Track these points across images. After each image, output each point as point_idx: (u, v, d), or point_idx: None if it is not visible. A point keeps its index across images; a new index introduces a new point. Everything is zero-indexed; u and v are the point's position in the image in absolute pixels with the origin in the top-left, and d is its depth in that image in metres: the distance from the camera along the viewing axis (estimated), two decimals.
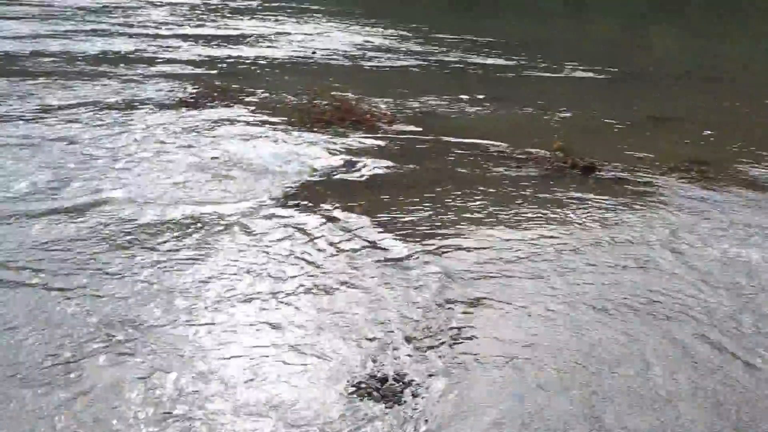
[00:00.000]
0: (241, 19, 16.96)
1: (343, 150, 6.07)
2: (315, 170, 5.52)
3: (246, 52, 11.65)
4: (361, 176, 5.47)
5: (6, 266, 3.70)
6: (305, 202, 4.82)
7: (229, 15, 17.94)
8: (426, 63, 11.44)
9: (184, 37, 13.06)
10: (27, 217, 4.33)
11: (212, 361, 3.01)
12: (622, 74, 11.09)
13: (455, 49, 13.12)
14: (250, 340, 3.16)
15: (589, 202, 5.03)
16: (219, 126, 6.70)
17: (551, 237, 4.38)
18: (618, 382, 2.93)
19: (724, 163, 6.07)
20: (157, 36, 13.09)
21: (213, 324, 3.28)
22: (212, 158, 5.69)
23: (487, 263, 3.97)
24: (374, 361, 3.04)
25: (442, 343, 3.19)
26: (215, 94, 7.94)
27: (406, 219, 4.61)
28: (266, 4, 21.42)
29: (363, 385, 2.89)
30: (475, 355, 3.09)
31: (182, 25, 15.09)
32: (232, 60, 10.81)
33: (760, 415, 2.80)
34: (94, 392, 2.77)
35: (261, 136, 6.39)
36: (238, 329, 3.25)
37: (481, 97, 8.72)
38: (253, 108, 7.49)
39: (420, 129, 6.84)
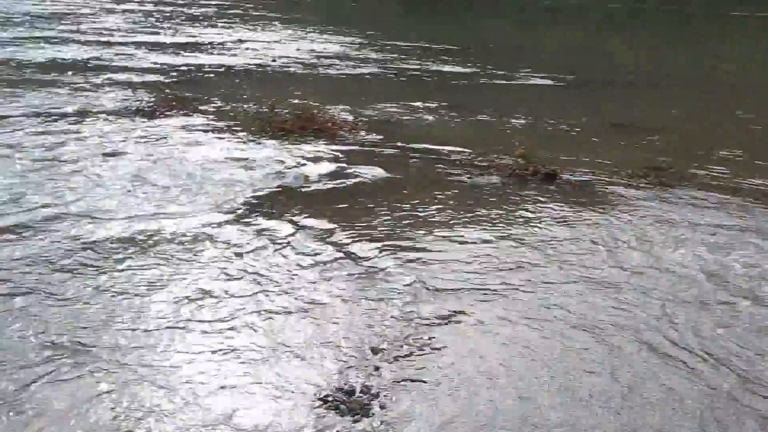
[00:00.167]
0: (197, 27, 16.75)
1: (306, 159, 6.01)
2: (277, 180, 5.45)
3: (203, 60, 11.50)
4: (325, 185, 5.42)
5: None
6: (268, 213, 4.75)
7: (184, 22, 17.71)
8: (384, 71, 11.45)
9: (139, 45, 12.84)
10: None
11: (173, 377, 2.93)
12: (579, 81, 11.26)
13: (412, 56, 13.17)
14: (212, 356, 3.09)
15: (551, 210, 5.07)
16: (177, 136, 6.57)
17: (517, 245, 4.39)
18: (589, 381, 2.95)
19: (681, 168, 6.18)
20: (110, 43, 12.84)
21: (172, 340, 3.20)
22: (170, 169, 5.56)
23: (452, 272, 3.96)
24: (341, 373, 3.00)
25: (410, 354, 3.17)
26: (173, 103, 7.79)
27: (371, 229, 4.57)
28: (222, 12, 21.23)
29: (330, 398, 2.85)
30: (444, 365, 3.07)
31: (136, 33, 14.83)
32: (189, 68, 10.65)
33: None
34: (46, 416, 2.66)
35: (221, 146, 6.29)
36: (199, 344, 3.17)
37: (439, 104, 8.75)
38: (212, 117, 7.38)
39: (382, 137, 6.82)
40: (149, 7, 21.51)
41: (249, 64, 11.29)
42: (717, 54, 16.32)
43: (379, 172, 5.78)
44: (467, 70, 11.89)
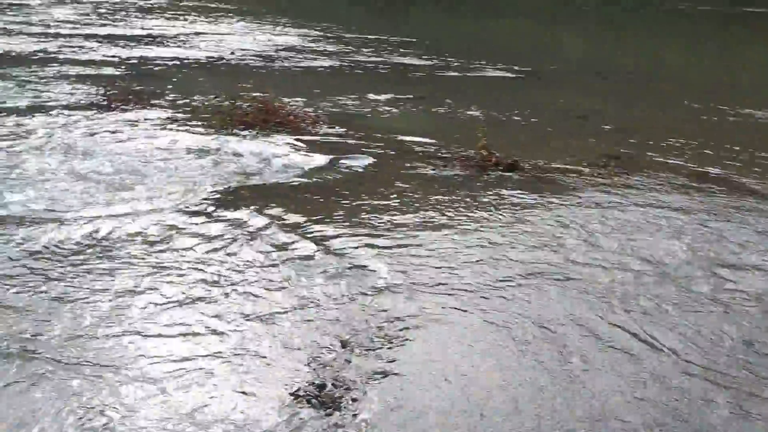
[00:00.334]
0: (150, 19, 16.42)
1: (269, 153, 5.96)
2: (239, 175, 5.40)
3: (158, 52, 11.29)
4: (289, 179, 5.39)
5: None
6: (230, 207, 4.70)
7: (136, 14, 17.33)
8: (342, 63, 11.41)
9: (90, 37, 12.52)
10: None
11: (142, 372, 2.90)
12: (535, 73, 11.39)
13: (370, 48, 13.15)
14: (180, 352, 3.05)
15: (514, 200, 5.13)
16: (134, 130, 6.44)
17: (481, 236, 4.42)
18: (534, 371, 3.01)
19: (638, 157, 6.34)
20: (60, 35, 12.49)
21: (139, 335, 3.17)
22: (128, 165, 5.43)
23: (418, 265, 3.98)
24: (311, 368, 3.00)
25: (380, 347, 3.18)
26: (129, 96, 7.64)
27: (336, 222, 4.57)
28: (176, 3, 20.84)
29: (302, 392, 2.84)
30: (414, 357, 3.09)
31: (87, 24, 14.46)
32: (144, 60, 10.44)
33: None
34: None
35: (181, 140, 6.19)
36: (167, 342, 3.13)
37: (399, 96, 8.78)
38: (171, 111, 7.25)
39: (344, 130, 6.82)
40: None
41: (206, 57, 11.13)
42: (663, 47, 16.70)
43: (343, 164, 5.77)
44: (425, 62, 11.93)
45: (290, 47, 12.86)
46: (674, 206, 5.07)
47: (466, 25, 20.29)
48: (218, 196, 4.93)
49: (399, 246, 4.23)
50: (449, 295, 3.66)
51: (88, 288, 3.57)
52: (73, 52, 10.80)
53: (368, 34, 15.28)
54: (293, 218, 4.55)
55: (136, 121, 6.71)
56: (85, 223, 4.34)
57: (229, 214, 4.59)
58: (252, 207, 4.72)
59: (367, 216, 4.69)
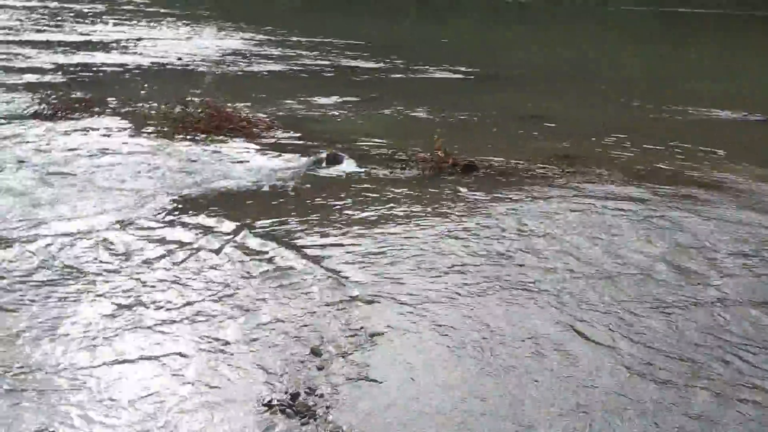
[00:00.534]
0: (88, 24, 16.01)
1: (224, 159, 5.88)
2: (196, 183, 5.29)
3: (101, 58, 11.02)
4: (244, 185, 5.32)
5: None
6: (189, 216, 4.61)
7: (74, 20, 16.87)
8: (291, 67, 11.36)
9: (26, 44, 12.14)
10: None
11: (110, 392, 2.81)
12: (483, 75, 11.57)
13: (317, 51, 13.14)
14: (147, 371, 2.97)
15: (473, 200, 5.18)
16: (82, 139, 6.25)
17: (440, 236, 4.45)
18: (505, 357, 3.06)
19: (588, 155, 6.50)
20: None
21: (107, 356, 3.06)
22: (77, 176, 5.25)
23: (379, 267, 3.98)
24: (283, 377, 2.97)
25: (350, 352, 3.16)
26: (75, 104, 7.41)
27: (296, 227, 4.53)
28: (113, 8, 20.38)
29: (275, 403, 2.80)
30: (383, 360, 3.09)
31: (22, 31, 14.00)
32: (88, 67, 10.17)
33: None
34: None
35: (133, 149, 6.03)
36: (133, 360, 3.04)
37: (351, 99, 8.79)
38: (120, 118, 7.08)
39: (299, 134, 6.78)
40: (34, 2, 20.34)
41: (152, 63, 10.91)
42: (607, 47, 17.19)
43: (300, 169, 5.74)
44: (374, 65, 11.98)
45: (236, 51, 12.74)
46: (628, 199, 5.21)
47: (411, 28, 20.44)
48: (175, 205, 4.82)
49: (357, 249, 4.21)
50: (413, 295, 3.66)
51: (42, 309, 3.42)
52: (11, 59, 10.44)
53: (314, 37, 15.27)
54: (247, 224, 4.49)
55: (86, 131, 6.52)
56: (33, 241, 4.17)
57: (190, 223, 4.50)
58: (211, 215, 4.64)
59: (324, 221, 4.67)
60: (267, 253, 4.11)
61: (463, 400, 2.85)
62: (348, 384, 2.92)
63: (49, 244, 4.07)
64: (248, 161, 5.88)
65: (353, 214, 4.81)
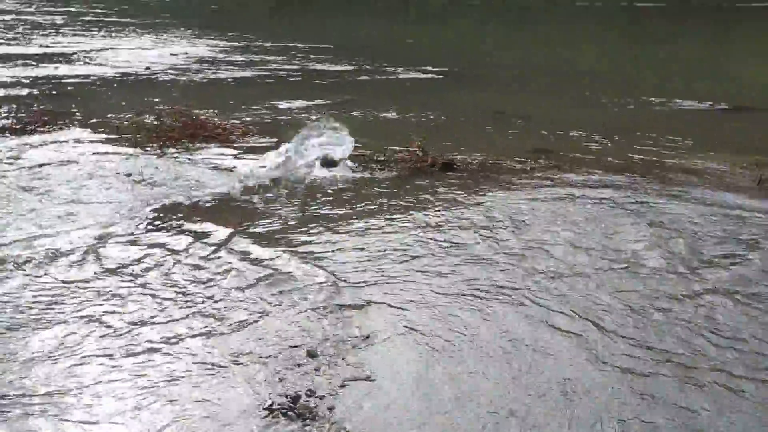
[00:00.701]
0: (48, 36, 15.71)
1: (202, 167, 5.83)
2: (176, 193, 5.23)
3: (66, 70, 10.82)
4: (227, 192, 5.29)
5: None
6: (168, 225, 4.57)
7: (32, 32, 16.54)
8: (261, 73, 11.31)
9: None
10: None
11: (108, 400, 2.79)
12: (451, 74, 11.64)
13: (286, 56, 13.09)
14: (143, 377, 2.94)
15: (454, 197, 5.21)
16: (55, 152, 6.13)
17: (423, 234, 4.47)
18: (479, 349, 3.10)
19: (565, 149, 6.60)
20: None
21: (95, 362, 3.04)
22: (51, 190, 5.15)
23: (367, 267, 3.99)
24: (282, 381, 2.96)
25: (346, 351, 3.17)
26: (45, 117, 7.27)
27: (283, 230, 4.53)
28: (72, 19, 20.03)
29: (276, 407, 2.80)
30: (380, 358, 3.11)
31: None
32: (53, 80, 9.98)
33: None
34: None
35: (108, 161, 5.93)
36: (126, 369, 3.00)
37: (324, 103, 8.77)
38: (90, 130, 6.96)
39: (275, 139, 6.73)
40: None
41: (117, 73, 10.76)
42: (573, 42, 17.43)
43: (280, 174, 5.72)
44: (344, 67, 11.98)
45: (202, 59, 12.63)
46: (610, 189, 5.31)
47: (383, 30, 20.47)
48: (157, 215, 4.77)
49: (341, 250, 4.22)
50: (403, 292, 3.69)
51: (29, 321, 3.39)
52: None
53: (283, 42, 15.22)
54: (234, 231, 4.47)
55: (58, 144, 6.39)
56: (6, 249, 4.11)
57: (174, 232, 4.45)
58: (196, 223, 4.60)
59: (308, 223, 4.66)
60: (255, 257, 4.10)
61: (463, 397, 2.87)
62: (347, 384, 2.93)
63: (30, 260, 3.99)
64: (228, 167, 5.83)
65: (334, 216, 4.81)
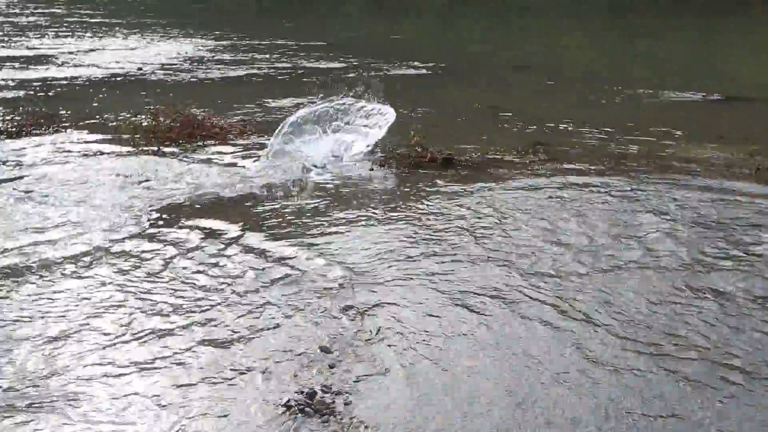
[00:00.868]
0: (34, 38, 15.57)
1: (203, 166, 5.82)
2: (177, 193, 5.22)
3: (57, 72, 10.75)
4: (230, 192, 5.28)
5: None
6: (173, 224, 4.57)
7: (18, 34, 16.39)
8: (248, 71, 11.28)
9: None
10: None
11: (124, 394, 2.81)
12: (440, 70, 11.65)
13: (280, 54, 13.06)
14: (162, 380, 2.94)
15: (457, 192, 5.22)
16: (53, 155, 6.11)
17: (426, 231, 4.48)
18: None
19: (561, 143, 6.64)
20: None
21: (112, 366, 3.03)
22: (52, 194, 5.11)
23: (374, 262, 4.00)
24: (297, 377, 2.97)
25: (359, 346, 3.18)
26: (40, 120, 7.22)
27: (284, 229, 4.53)
28: (57, 20, 19.86)
29: (293, 403, 2.80)
30: (394, 353, 3.12)
31: None
32: (45, 82, 9.91)
33: None
34: None
35: (108, 163, 5.91)
36: (141, 370, 3.01)
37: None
38: (87, 132, 6.93)
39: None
40: None
41: (108, 74, 10.69)
42: (561, 36, 17.49)
43: (281, 173, 5.72)
44: (331, 65, 11.96)
45: (191, 58, 12.58)
46: (609, 180, 5.35)
47: (373, 27, 20.44)
48: (160, 215, 4.76)
49: (347, 246, 4.23)
50: (411, 288, 3.70)
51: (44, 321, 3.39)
52: None
53: (275, 40, 15.17)
54: (238, 230, 4.47)
55: (55, 146, 6.36)
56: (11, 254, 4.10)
57: (180, 232, 4.44)
58: (190, 221, 4.61)
59: (312, 220, 4.67)
60: (262, 255, 4.11)
61: (480, 391, 2.89)
62: (362, 379, 2.94)
63: (34, 266, 3.98)
64: (228, 167, 5.83)
65: (336, 213, 4.82)
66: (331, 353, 3.14)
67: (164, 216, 4.74)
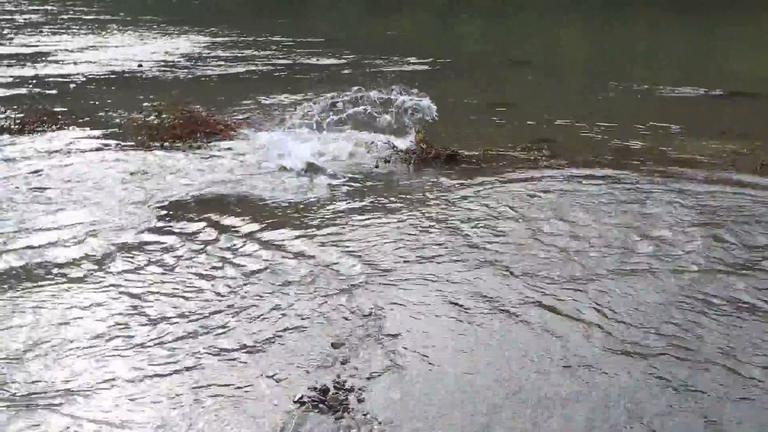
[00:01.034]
0: (30, 36, 15.51)
1: (208, 162, 5.82)
2: (185, 187, 5.23)
3: (55, 69, 10.71)
4: (236, 187, 5.29)
5: None
6: (181, 221, 4.58)
7: (14, 32, 16.31)
8: (247, 68, 11.25)
9: None
10: None
11: (137, 393, 2.83)
12: (437, 66, 11.63)
13: (280, 51, 13.04)
14: (177, 378, 2.95)
15: (459, 189, 5.22)
16: (57, 153, 6.09)
17: (433, 226, 4.49)
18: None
19: (565, 138, 6.65)
20: None
21: (126, 364, 3.05)
22: (58, 191, 5.10)
23: (380, 260, 4.01)
24: (309, 374, 2.97)
25: (370, 344, 3.18)
26: (42, 117, 7.19)
27: (295, 225, 4.54)
28: (52, 18, 19.77)
29: (306, 400, 2.81)
30: (404, 350, 3.13)
31: None
32: (45, 79, 9.89)
33: None
34: None
35: (110, 159, 5.90)
36: (157, 368, 3.02)
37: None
38: (90, 129, 6.91)
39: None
40: None
41: (107, 71, 10.66)
42: (557, 32, 17.49)
43: (285, 168, 5.72)
44: (329, 61, 11.95)
45: (189, 55, 12.55)
46: (606, 186, 5.30)
47: (368, 23, 20.39)
48: (167, 212, 4.77)
49: (359, 241, 4.25)
50: (420, 285, 3.70)
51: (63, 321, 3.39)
52: None
53: (274, 37, 15.14)
54: (248, 227, 4.49)
55: (60, 143, 6.35)
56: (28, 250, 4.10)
57: (175, 229, 4.46)
58: (198, 218, 4.62)
59: (317, 217, 4.68)
60: (270, 252, 4.11)
61: (492, 384, 2.91)
62: (375, 375, 2.95)
63: (48, 260, 3.99)
64: (236, 163, 5.82)
65: (342, 209, 4.83)
66: (343, 350, 3.14)
67: (171, 212, 4.75)
